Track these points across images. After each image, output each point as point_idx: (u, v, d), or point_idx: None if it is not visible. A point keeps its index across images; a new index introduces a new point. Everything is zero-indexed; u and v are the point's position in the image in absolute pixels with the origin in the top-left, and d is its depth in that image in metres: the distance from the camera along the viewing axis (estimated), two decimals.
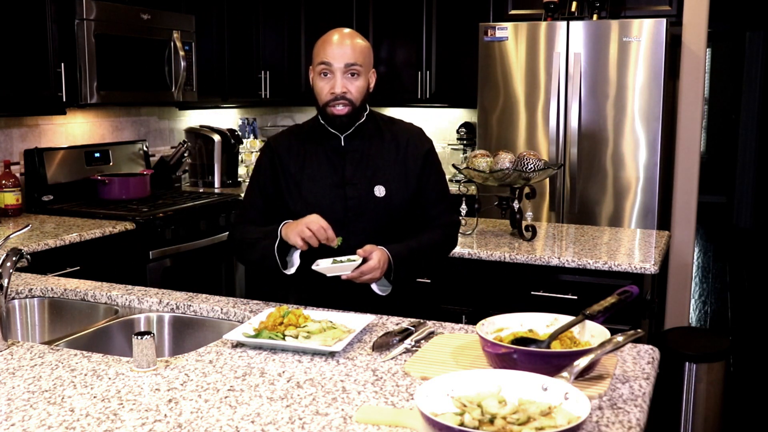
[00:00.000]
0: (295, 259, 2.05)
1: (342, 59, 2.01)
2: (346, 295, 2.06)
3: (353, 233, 2.04)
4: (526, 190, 3.05)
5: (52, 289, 2.23)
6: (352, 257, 1.94)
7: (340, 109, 2.04)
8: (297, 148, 2.14)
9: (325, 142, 2.12)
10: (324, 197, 2.09)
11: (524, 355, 1.44)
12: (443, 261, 2.28)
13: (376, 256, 1.94)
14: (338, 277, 1.95)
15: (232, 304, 2.05)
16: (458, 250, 2.79)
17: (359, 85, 2.05)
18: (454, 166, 3.12)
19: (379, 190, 2.09)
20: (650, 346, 1.69)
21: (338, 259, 1.95)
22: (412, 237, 2.10)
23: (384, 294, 2.06)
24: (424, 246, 2.10)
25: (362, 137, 2.12)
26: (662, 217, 4.15)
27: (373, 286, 2.05)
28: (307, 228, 1.92)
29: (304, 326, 1.73)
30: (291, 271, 2.06)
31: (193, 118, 4.77)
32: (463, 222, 3.08)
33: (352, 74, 2.03)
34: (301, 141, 2.15)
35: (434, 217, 2.16)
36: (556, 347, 1.53)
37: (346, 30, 2.09)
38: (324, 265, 1.93)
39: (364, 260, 1.93)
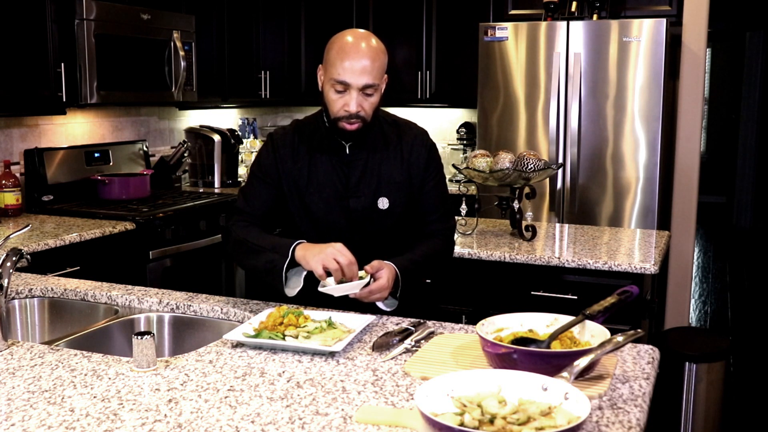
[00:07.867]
0: (300, 280, 1.95)
1: (360, 80, 1.93)
2: (345, 295, 2.04)
3: (355, 245, 2.01)
4: (526, 190, 3.05)
5: (52, 289, 2.23)
6: (359, 273, 1.86)
7: (352, 126, 1.98)
8: (301, 154, 2.08)
9: (329, 149, 2.07)
10: (327, 208, 2.06)
11: (524, 355, 1.44)
12: (443, 267, 2.25)
13: (385, 275, 1.87)
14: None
15: (232, 304, 2.05)
16: (458, 250, 2.78)
17: (373, 102, 1.99)
18: (454, 166, 3.12)
19: (383, 203, 2.06)
20: (650, 346, 1.69)
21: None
22: (415, 248, 2.06)
23: (390, 309, 2.00)
24: (427, 257, 2.06)
25: (367, 146, 2.07)
26: (662, 217, 4.15)
27: (379, 303, 1.98)
28: (335, 260, 1.81)
29: (304, 326, 1.73)
30: (293, 292, 1.96)
31: (193, 118, 4.77)
32: (463, 222, 3.08)
33: (368, 94, 1.97)
34: (306, 144, 2.09)
35: (433, 223, 2.13)
36: (556, 347, 1.53)
37: (363, 39, 1.96)
38: (331, 286, 1.85)
39: (372, 277, 1.86)
